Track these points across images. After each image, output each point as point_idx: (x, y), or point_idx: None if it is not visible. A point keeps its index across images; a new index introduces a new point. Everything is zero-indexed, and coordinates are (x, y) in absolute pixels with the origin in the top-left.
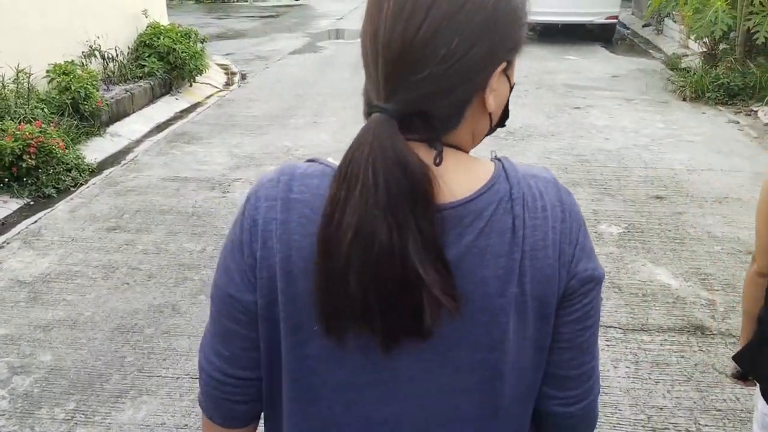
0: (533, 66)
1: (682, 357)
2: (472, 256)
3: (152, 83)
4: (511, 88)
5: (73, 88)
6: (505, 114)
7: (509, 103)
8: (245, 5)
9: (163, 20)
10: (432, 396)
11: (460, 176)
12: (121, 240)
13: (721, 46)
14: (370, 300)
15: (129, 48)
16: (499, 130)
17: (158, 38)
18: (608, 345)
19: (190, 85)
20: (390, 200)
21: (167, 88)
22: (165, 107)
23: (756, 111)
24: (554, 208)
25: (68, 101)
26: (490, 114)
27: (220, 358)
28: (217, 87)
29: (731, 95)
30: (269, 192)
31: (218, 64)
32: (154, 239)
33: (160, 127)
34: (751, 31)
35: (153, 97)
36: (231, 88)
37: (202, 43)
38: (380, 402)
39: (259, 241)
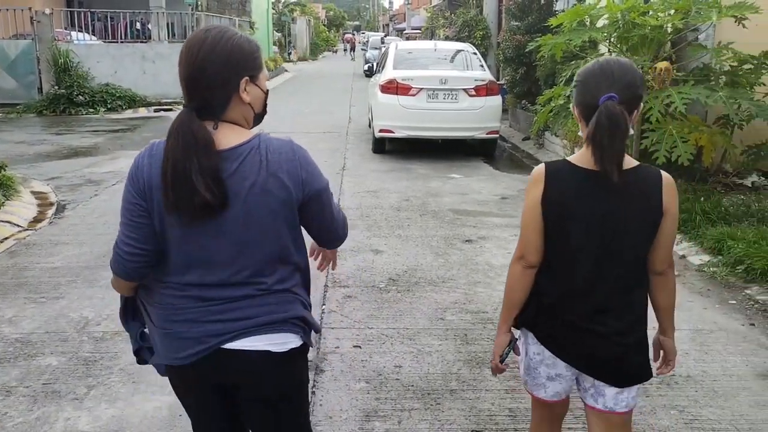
0: (415, 186)
1: None
2: (239, 175)
3: None
4: (265, 92)
5: None
6: (264, 110)
7: (267, 103)
8: (95, 118)
9: None
10: (224, 245)
11: (231, 137)
12: None
13: None
14: (177, 193)
15: None
16: (380, 279)
17: None
18: None
19: None
20: (183, 144)
21: None
22: None
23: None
24: (286, 153)
25: None
26: (250, 105)
27: (131, 239)
28: (18, 225)
29: None
30: (143, 153)
31: (35, 193)
32: None
33: None
34: (649, 150)
35: None
36: (39, 225)
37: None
38: (206, 243)
39: (139, 173)
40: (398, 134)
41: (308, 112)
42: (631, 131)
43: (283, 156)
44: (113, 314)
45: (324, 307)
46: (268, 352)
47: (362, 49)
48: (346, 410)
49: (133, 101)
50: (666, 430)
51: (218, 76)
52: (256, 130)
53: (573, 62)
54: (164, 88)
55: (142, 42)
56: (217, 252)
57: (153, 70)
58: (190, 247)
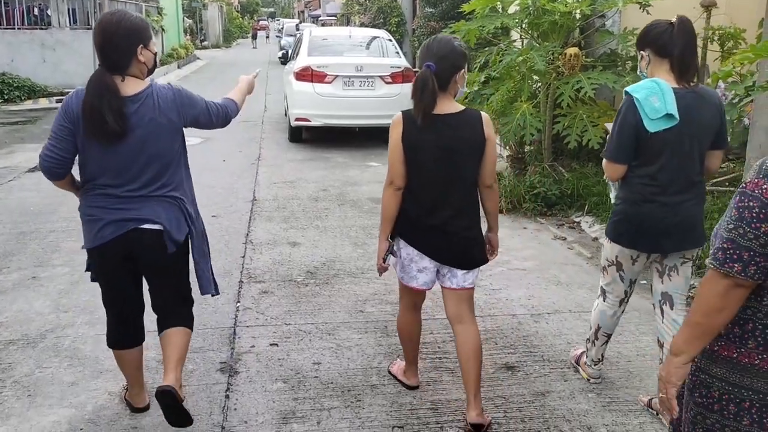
0: (333, 176)
1: None
2: (139, 113)
3: None
4: (154, 54)
5: None
6: (155, 66)
7: (156, 62)
8: None
9: None
10: (129, 160)
11: (134, 86)
12: None
13: (527, 149)
14: (93, 124)
15: None
16: (297, 273)
17: None
18: None
19: None
20: (97, 92)
21: None
22: None
23: (579, 222)
24: (169, 93)
25: None
26: (144, 63)
27: (55, 147)
28: None
29: (549, 205)
30: (72, 94)
31: None
32: None
33: None
34: (561, 134)
35: None
36: None
37: None
38: (116, 157)
39: (70, 108)
40: (315, 123)
41: None
42: (462, 89)
43: (168, 98)
44: (6, 321)
45: (239, 304)
46: (162, 229)
47: (277, 36)
48: (263, 413)
49: (33, 91)
50: (585, 413)
51: (122, 44)
52: (148, 80)
53: (486, 48)
54: (67, 78)
55: (41, 29)
56: (124, 164)
57: (54, 58)
58: (104, 160)
